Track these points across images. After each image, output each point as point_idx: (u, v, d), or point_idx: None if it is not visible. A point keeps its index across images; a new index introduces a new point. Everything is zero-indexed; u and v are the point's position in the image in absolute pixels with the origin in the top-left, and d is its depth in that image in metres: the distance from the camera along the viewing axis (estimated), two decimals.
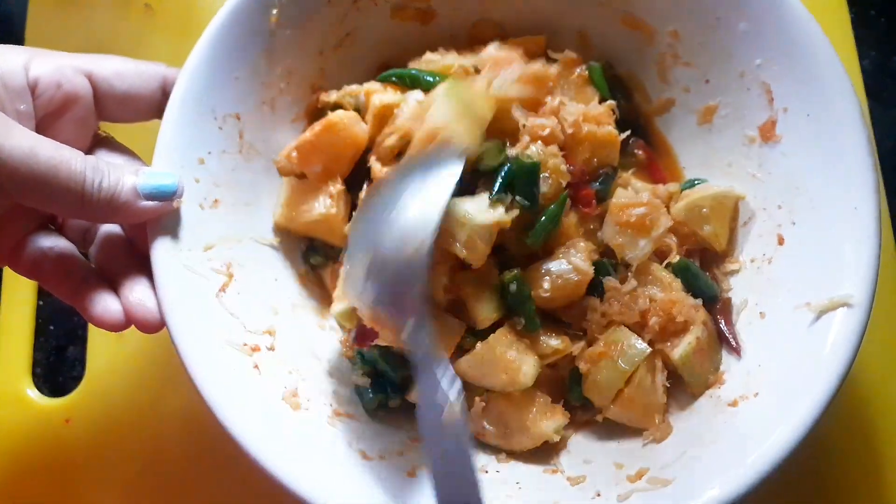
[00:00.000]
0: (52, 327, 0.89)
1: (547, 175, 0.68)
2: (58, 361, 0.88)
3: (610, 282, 0.69)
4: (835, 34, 0.89)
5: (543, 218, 0.68)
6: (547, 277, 0.68)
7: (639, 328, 0.69)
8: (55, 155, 0.59)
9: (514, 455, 0.71)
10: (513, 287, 0.67)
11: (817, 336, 0.60)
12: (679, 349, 0.68)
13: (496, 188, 0.66)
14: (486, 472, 0.69)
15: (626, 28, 0.77)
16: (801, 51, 0.66)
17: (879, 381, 0.79)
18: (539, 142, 0.68)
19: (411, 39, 0.79)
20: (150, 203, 0.64)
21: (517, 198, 0.66)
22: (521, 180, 0.66)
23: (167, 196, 0.64)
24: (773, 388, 0.62)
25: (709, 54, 0.73)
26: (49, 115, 0.65)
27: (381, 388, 0.72)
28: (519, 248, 0.69)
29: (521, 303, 0.68)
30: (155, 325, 0.65)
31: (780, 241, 0.68)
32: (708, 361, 0.69)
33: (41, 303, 0.89)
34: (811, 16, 0.66)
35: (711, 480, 0.58)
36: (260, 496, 0.73)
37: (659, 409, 0.69)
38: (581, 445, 0.71)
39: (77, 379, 0.85)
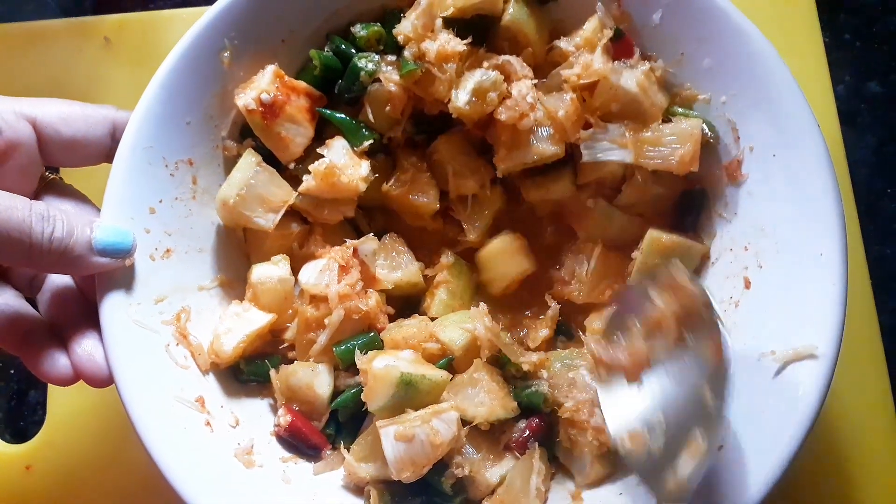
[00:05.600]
0: (12, 371, 0.88)
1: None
2: (19, 406, 0.86)
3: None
4: (808, 60, 0.87)
5: None
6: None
7: None
8: None
9: None
10: None
11: (782, 388, 0.59)
12: None
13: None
14: None
15: None
16: (766, 89, 0.64)
17: (852, 414, 0.78)
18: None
19: None
20: (104, 259, 0.62)
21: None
22: None
23: (122, 254, 0.63)
24: (737, 443, 0.60)
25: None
26: None
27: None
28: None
29: None
30: (103, 381, 0.63)
31: (747, 285, 0.66)
32: None
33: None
34: (776, 52, 0.64)
35: None
36: None
37: None
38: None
39: (38, 423, 0.84)
